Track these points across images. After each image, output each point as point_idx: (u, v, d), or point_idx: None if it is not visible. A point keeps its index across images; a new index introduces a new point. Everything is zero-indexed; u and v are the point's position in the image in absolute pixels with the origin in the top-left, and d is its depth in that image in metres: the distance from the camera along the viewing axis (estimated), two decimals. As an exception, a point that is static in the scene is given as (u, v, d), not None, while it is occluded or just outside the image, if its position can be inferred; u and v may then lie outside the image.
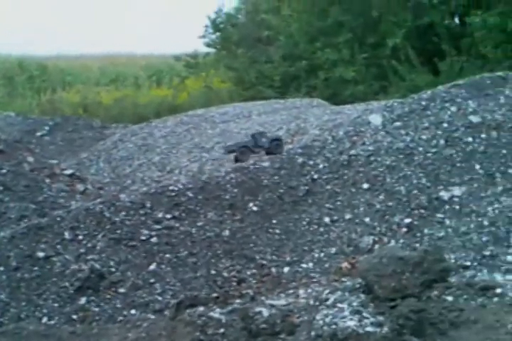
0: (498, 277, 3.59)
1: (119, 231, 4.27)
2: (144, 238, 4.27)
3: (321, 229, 4.44)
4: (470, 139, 4.73)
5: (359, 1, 11.26)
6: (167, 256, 4.19)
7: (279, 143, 5.54)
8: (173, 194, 4.58)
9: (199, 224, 4.40)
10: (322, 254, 4.29)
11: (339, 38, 11.40)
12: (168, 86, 14.90)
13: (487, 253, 4.03)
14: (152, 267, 4.13)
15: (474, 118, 4.86)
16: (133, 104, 12.33)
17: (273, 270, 4.20)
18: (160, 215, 4.42)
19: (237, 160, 5.63)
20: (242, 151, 5.53)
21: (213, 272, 4.12)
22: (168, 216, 4.43)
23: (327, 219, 4.50)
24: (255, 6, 14.16)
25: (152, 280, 4.04)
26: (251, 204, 4.57)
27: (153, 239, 4.26)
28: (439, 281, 2.80)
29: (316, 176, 4.78)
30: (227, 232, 4.38)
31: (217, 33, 14.76)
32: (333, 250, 4.30)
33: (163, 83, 15.66)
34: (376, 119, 5.15)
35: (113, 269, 4.13)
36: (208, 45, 14.95)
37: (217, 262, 4.19)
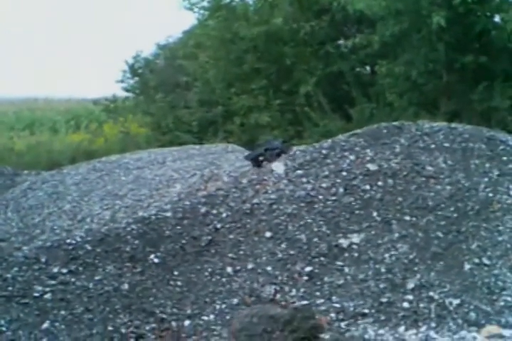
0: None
1: (10, 288, 4.09)
2: (37, 294, 4.09)
3: (224, 280, 4.41)
4: (367, 187, 4.87)
5: (273, 50, 11.58)
6: (62, 312, 4.02)
7: (287, 145, 5.74)
8: (70, 247, 4.45)
9: (97, 278, 4.27)
10: (224, 306, 4.23)
11: (255, 84, 11.62)
12: (86, 131, 14.70)
13: (384, 300, 4.11)
14: (45, 325, 3.95)
15: (372, 167, 5.02)
16: (47, 150, 12.05)
17: (173, 324, 4.10)
18: (55, 270, 4.26)
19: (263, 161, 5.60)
20: (271, 154, 5.56)
21: (110, 328, 3.98)
22: (64, 270, 4.28)
23: (229, 269, 4.47)
24: (173, 51, 14.32)
25: (45, 339, 3.85)
26: (152, 256, 4.50)
27: (47, 296, 4.09)
28: (310, 339, 2.82)
29: (219, 225, 4.77)
30: (126, 286, 4.27)
31: (136, 78, 14.82)
32: (235, 301, 4.26)
33: (81, 128, 15.44)
34: (279, 167, 5.23)
35: (4, 328, 3.92)
36: (127, 90, 14.94)
37: (115, 317, 4.07)
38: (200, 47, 12.81)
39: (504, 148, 5.15)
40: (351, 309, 4.07)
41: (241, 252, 4.58)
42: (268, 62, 11.81)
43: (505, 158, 5.03)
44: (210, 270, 4.46)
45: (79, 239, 4.56)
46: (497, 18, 9.48)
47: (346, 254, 4.45)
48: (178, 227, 4.72)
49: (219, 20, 11.93)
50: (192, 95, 12.73)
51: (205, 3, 12.27)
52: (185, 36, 14.75)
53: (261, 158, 5.65)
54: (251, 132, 11.59)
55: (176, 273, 4.42)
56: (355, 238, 4.54)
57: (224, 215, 4.84)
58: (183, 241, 4.62)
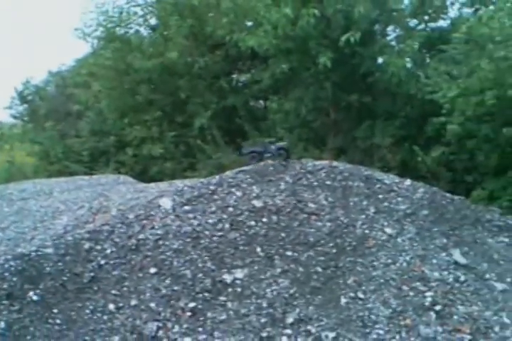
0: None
1: None
2: None
3: (105, 317, 4.33)
4: (253, 223, 5.00)
5: (167, 82, 11.66)
6: None
7: (282, 152, 5.98)
8: None
9: (-30, 317, 4.09)
10: (104, 344, 4.17)
11: (148, 115, 11.64)
12: (-31, 158, 14.03)
13: (264, 334, 4.20)
14: None
15: (257, 203, 5.17)
16: None
17: (49, 364, 3.99)
18: None
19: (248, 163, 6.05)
20: (252, 156, 6.07)
21: (-18, 371, 3.82)
22: None
23: (112, 306, 4.41)
24: (65, 79, 14.07)
25: None
26: (31, 293, 4.35)
27: None
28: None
29: (103, 262, 4.70)
30: (2, 324, 4.09)
31: (25, 105, 14.40)
32: (116, 339, 4.20)
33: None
34: (166, 203, 5.26)
35: None
36: (15, 116, 14.48)
37: (-12, 359, 3.90)
38: (93, 76, 12.68)
39: (380, 186, 5.47)
40: (233, 344, 4.12)
41: (125, 289, 4.54)
42: (163, 94, 11.89)
43: (381, 196, 5.34)
44: (91, 307, 4.38)
45: (-49, 277, 4.34)
46: (381, 60, 10.06)
47: (230, 289, 4.51)
48: (60, 264, 4.60)
49: (113, 51, 11.89)
50: (83, 124, 12.53)
51: (98, 33, 12.20)
52: (78, 64, 14.54)
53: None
54: (144, 163, 11.55)
55: (55, 310, 4.30)
56: (239, 273, 4.62)
57: (108, 251, 4.78)
58: (64, 278, 4.51)
